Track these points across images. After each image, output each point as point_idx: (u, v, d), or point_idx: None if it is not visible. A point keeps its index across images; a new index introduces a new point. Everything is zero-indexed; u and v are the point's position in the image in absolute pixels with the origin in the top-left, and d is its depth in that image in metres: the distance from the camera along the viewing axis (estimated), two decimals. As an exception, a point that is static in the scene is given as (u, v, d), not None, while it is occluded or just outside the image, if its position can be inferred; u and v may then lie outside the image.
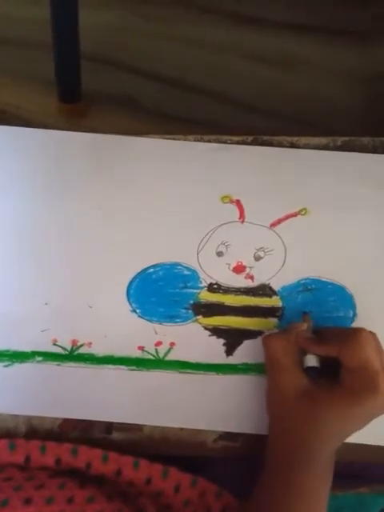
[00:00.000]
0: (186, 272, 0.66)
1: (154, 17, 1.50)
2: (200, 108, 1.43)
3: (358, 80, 1.47)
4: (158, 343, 0.65)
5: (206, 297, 0.65)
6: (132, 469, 0.61)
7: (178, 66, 1.46)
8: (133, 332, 0.65)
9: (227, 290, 0.66)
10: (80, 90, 1.37)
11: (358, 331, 0.57)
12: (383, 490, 0.63)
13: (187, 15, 1.51)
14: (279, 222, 0.67)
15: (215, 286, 0.65)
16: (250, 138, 0.69)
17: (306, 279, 0.66)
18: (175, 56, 1.47)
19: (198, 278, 0.65)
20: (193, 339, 0.65)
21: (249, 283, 0.66)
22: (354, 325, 0.66)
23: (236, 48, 1.48)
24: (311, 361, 0.59)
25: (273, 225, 0.67)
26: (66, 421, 0.64)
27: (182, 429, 0.63)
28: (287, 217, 0.67)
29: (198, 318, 0.65)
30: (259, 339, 0.65)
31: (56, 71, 1.31)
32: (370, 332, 0.57)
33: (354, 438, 0.62)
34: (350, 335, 0.57)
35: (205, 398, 0.64)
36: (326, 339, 0.59)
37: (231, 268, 0.66)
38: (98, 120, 1.40)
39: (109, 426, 0.64)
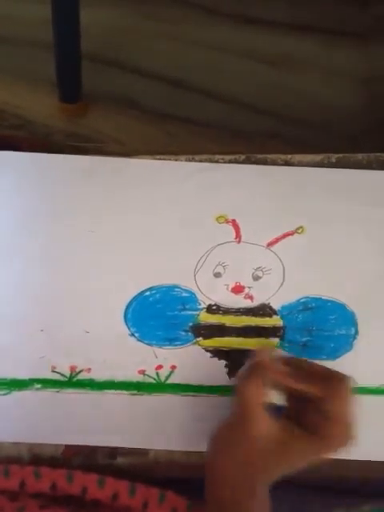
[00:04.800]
0: (184, 294, 0.66)
1: (154, 17, 1.51)
2: (200, 108, 1.44)
3: (358, 80, 1.48)
4: (159, 367, 0.65)
5: (206, 318, 0.65)
6: (128, 493, 0.61)
7: (178, 66, 1.46)
8: (132, 356, 0.65)
9: (227, 311, 0.65)
10: (80, 90, 1.38)
11: (346, 380, 0.55)
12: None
13: (188, 15, 1.53)
14: (276, 241, 0.67)
15: (214, 308, 0.65)
16: (243, 157, 0.69)
17: (305, 298, 0.66)
18: (176, 56, 1.48)
19: (196, 299, 0.65)
20: (194, 362, 0.65)
21: (248, 303, 0.66)
22: (357, 343, 0.66)
23: (236, 48, 1.49)
24: (278, 399, 0.57)
25: (270, 244, 0.66)
26: (68, 447, 0.64)
27: (187, 451, 0.63)
28: (284, 236, 0.67)
29: (198, 340, 0.65)
30: (261, 360, 0.65)
31: (57, 71, 1.32)
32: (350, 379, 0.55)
33: (354, 456, 0.63)
34: (337, 382, 0.55)
35: (209, 421, 0.63)
36: (308, 377, 0.55)
37: (230, 289, 0.66)
38: (98, 120, 1.41)
39: (113, 451, 0.64)
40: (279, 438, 0.54)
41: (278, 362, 0.57)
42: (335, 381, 0.55)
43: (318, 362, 0.65)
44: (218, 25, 1.53)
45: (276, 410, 0.56)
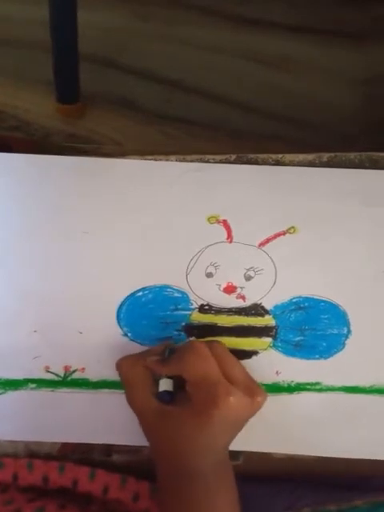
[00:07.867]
0: (176, 294, 0.66)
1: (153, 18, 1.52)
2: (198, 109, 1.44)
3: (357, 81, 1.48)
4: (153, 366, 0.65)
5: (198, 318, 0.66)
6: (119, 486, 0.62)
7: (176, 67, 1.47)
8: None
9: (219, 311, 0.66)
10: (78, 91, 1.39)
11: (189, 345, 0.58)
12: (378, 500, 0.63)
13: (186, 16, 1.54)
14: (268, 241, 0.67)
15: (206, 307, 0.66)
16: (234, 157, 0.69)
17: (298, 297, 0.66)
18: (174, 57, 1.48)
19: (189, 299, 0.66)
20: (187, 361, 0.65)
21: (240, 303, 0.66)
22: (349, 342, 0.66)
23: (235, 49, 1.50)
24: (164, 385, 0.58)
25: (261, 244, 0.67)
26: (65, 444, 0.65)
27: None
28: (275, 236, 0.67)
29: (190, 339, 0.66)
30: (254, 359, 0.66)
31: (54, 72, 1.33)
32: (204, 343, 0.58)
33: (347, 454, 0.64)
34: (183, 350, 0.57)
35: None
36: (169, 358, 0.59)
37: (222, 289, 0.66)
38: (95, 121, 1.42)
39: (108, 449, 0.65)
40: (159, 409, 0.57)
41: (154, 352, 0.61)
42: (183, 348, 0.58)
43: (310, 361, 0.66)
44: (216, 26, 1.53)
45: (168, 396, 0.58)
